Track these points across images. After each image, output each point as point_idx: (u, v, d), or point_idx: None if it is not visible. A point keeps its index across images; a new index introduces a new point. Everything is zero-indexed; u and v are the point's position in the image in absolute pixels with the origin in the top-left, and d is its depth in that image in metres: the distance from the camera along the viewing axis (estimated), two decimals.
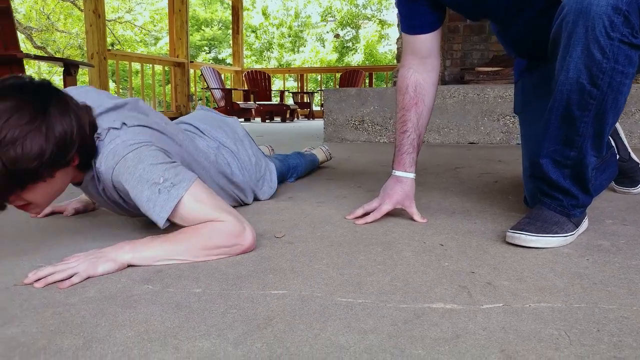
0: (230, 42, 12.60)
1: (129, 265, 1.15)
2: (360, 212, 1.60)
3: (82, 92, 1.30)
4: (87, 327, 0.86)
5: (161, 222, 1.13)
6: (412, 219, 1.57)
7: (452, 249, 1.28)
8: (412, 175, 1.59)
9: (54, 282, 1.05)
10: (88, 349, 0.78)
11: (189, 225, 1.18)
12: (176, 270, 1.13)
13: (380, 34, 24.81)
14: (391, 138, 4.34)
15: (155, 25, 23.22)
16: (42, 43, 19.58)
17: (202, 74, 9.37)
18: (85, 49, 8.96)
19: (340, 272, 1.12)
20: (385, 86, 11.14)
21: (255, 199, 1.87)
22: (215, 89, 9.42)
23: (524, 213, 1.51)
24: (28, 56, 3.32)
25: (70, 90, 1.25)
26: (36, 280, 1.05)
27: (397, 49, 5.26)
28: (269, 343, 0.80)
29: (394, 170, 1.61)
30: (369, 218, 1.55)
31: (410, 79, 1.58)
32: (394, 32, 24.27)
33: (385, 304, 0.95)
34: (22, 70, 3.21)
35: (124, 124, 1.20)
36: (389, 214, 1.60)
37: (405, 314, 0.91)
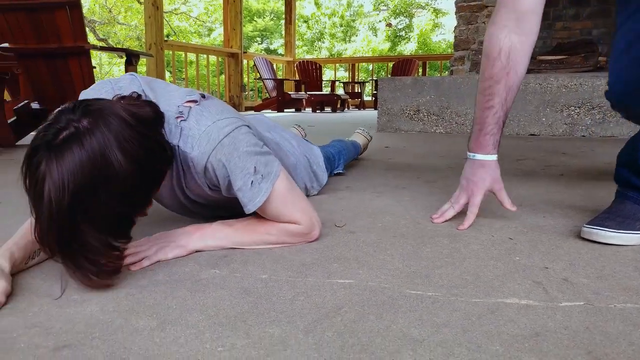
0: (282, 32, 12.65)
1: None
2: (451, 213, 1.43)
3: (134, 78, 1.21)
4: (159, 308, 0.88)
5: (248, 212, 1.13)
6: (502, 204, 1.40)
7: (522, 243, 1.23)
8: (495, 157, 1.37)
9: (126, 265, 1.08)
10: (162, 330, 0.79)
11: (265, 216, 1.17)
12: (241, 256, 1.13)
13: (434, 22, 24.31)
14: (447, 129, 4.24)
15: (209, 17, 23.62)
16: (104, 35, 20.31)
17: (254, 65, 9.46)
18: (143, 40, 9.21)
19: (407, 264, 1.10)
20: (439, 75, 10.91)
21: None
22: (267, 79, 9.50)
23: (596, 208, 1.43)
24: (94, 47, 3.43)
25: (122, 80, 1.18)
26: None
27: (455, 37, 5.13)
28: (340, 332, 0.79)
29: (473, 154, 1.39)
30: (466, 222, 1.37)
31: (504, 41, 1.27)
32: (448, 20, 23.76)
33: (457, 298, 0.92)
34: (90, 60, 3.32)
35: (202, 96, 1.15)
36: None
37: (478, 308, 0.87)
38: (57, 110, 0.91)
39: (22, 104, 3.59)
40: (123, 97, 1.02)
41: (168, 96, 1.14)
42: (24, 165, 0.86)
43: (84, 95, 1.14)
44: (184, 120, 1.08)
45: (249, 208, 1.11)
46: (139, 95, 1.08)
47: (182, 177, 1.16)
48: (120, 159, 0.88)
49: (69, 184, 0.83)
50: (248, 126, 1.15)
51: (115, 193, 0.89)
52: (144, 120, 0.97)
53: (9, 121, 3.47)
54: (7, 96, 4.25)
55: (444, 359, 0.71)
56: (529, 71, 4.66)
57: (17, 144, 3.50)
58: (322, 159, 1.78)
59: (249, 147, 1.09)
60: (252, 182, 1.09)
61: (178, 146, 1.09)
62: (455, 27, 5.12)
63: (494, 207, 1.60)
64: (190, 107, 1.10)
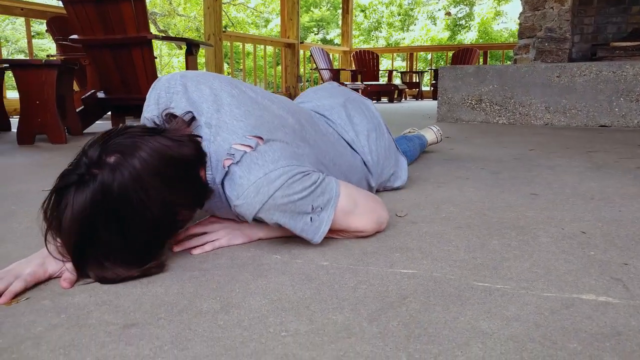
0: (339, 22, 12.59)
1: None
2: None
3: (201, 81, 1.14)
4: (222, 292, 0.88)
5: (316, 242, 1.09)
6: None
7: (597, 238, 1.16)
8: None
9: (190, 248, 1.09)
10: (226, 313, 0.80)
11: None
12: (302, 242, 1.12)
13: (496, 10, 23.51)
14: (511, 119, 4.09)
15: (266, 7, 23.83)
16: (164, 27, 20.89)
17: (311, 55, 9.46)
18: (202, 31, 9.41)
19: (473, 256, 1.05)
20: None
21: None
22: (323, 69, 9.48)
23: None
24: (156, 37, 3.52)
25: (189, 80, 1.14)
26: (176, 244, 1.09)
27: (519, 24, 4.92)
28: (405, 322, 0.76)
29: None
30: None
31: None
32: (511, 8, 22.93)
33: (527, 291, 0.87)
34: (152, 50, 3.40)
35: (258, 140, 1.03)
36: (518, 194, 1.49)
37: (551, 303, 0.83)
38: (85, 148, 0.90)
39: (89, 93, 3.74)
40: (169, 122, 1.01)
41: (231, 125, 1.05)
42: (48, 200, 0.87)
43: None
44: (234, 164, 1.01)
45: (316, 240, 1.07)
46: (192, 120, 1.05)
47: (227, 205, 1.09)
48: (142, 198, 0.87)
49: (86, 216, 0.84)
50: (306, 166, 1.06)
51: (136, 229, 0.89)
52: (178, 162, 0.93)
53: (77, 110, 3.62)
54: (75, 86, 4.44)
55: (517, 353, 0.67)
56: (601, 58, 4.43)
57: (84, 132, 3.66)
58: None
59: (303, 192, 1.02)
60: (311, 219, 1.04)
61: (222, 184, 1.04)
62: (520, 14, 4.91)
63: (562, 199, 1.52)
64: (245, 152, 1.01)
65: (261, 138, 1.04)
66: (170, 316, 0.79)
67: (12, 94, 6.22)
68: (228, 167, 1.01)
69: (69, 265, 0.92)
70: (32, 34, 5.97)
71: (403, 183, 1.65)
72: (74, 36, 3.45)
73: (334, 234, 1.13)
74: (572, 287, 0.89)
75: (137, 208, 0.87)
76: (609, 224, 1.26)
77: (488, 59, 10.58)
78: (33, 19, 5.64)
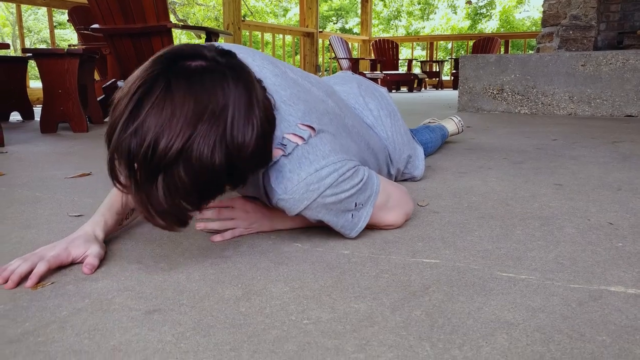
0: (358, 11, 12.49)
1: None
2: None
3: (245, 52, 1.08)
4: (244, 279, 0.88)
5: (350, 237, 1.08)
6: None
7: (625, 229, 1.13)
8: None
9: (211, 230, 1.09)
10: (247, 300, 0.79)
11: None
12: (322, 230, 1.12)
13: None
14: (533, 109, 4.03)
15: None
16: (183, 16, 20.95)
17: (330, 44, 9.41)
18: (221, 20, 9.40)
19: (497, 246, 1.04)
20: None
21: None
22: (342, 58, 9.42)
23: None
24: (176, 26, 3.52)
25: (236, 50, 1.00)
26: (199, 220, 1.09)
27: (543, 12, 4.82)
28: (429, 312, 0.75)
29: None
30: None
31: None
32: None
33: (553, 282, 0.86)
34: (172, 40, 3.42)
35: (310, 131, 0.98)
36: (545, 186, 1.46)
37: (578, 294, 0.81)
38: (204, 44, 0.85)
39: (109, 82, 3.77)
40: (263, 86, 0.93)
41: (281, 110, 0.99)
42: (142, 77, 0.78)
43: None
44: (284, 155, 0.95)
45: (352, 235, 1.06)
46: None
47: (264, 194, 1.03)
48: (243, 131, 0.80)
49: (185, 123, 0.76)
50: (353, 161, 1.03)
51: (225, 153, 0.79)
52: (268, 118, 0.89)
53: (98, 99, 3.66)
54: (96, 76, 4.48)
55: (543, 345, 0.66)
56: (627, 47, 4.33)
57: (105, 120, 3.69)
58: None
59: (351, 189, 0.99)
60: (352, 215, 1.03)
61: (266, 174, 0.97)
62: (544, 1, 4.81)
63: (588, 189, 1.49)
64: (297, 145, 0.96)
65: (313, 128, 0.99)
66: (192, 302, 0.79)
67: (35, 83, 6.31)
68: (278, 157, 0.95)
69: (93, 249, 0.93)
70: (54, 24, 6.03)
71: (421, 173, 1.61)
72: (95, 25, 3.47)
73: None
74: (599, 279, 0.87)
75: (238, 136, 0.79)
76: (637, 215, 1.23)
77: (510, 49, 10.42)
78: (55, 9, 5.69)
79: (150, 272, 0.91)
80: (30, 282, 0.84)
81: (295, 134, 0.96)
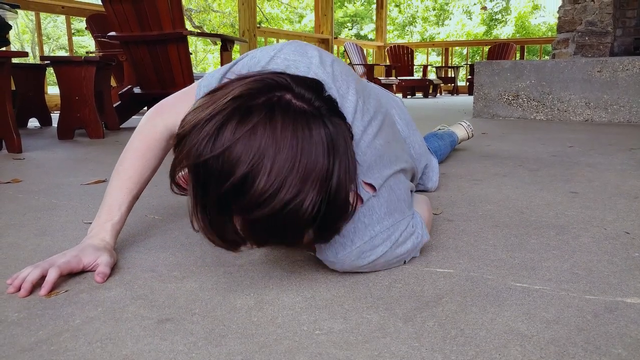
0: (373, 17, 12.50)
1: None
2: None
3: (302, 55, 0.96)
4: (256, 288, 0.88)
5: None
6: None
7: None
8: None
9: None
10: (259, 310, 0.79)
11: None
12: None
13: (534, 4, 22.96)
14: (549, 115, 3.99)
15: (300, 3, 23.85)
16: (199, 23, 21.15)
17: (345, 50, 9.42)
18: (236, 27, 9.47)
19: (511, 255, 1.03)
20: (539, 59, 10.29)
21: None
22: (357, 64, 9.43)
23: None
24: (192, 33, 3.55)
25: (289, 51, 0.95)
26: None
27: (558, 18, 4.78)
28: (441, 323, 0.75)
29: None
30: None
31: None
32: (550, 1, 22.35)
33: (568, 293, 0.84)
34: (187, 46, 3.45)
35: (370, 190, 0.92)
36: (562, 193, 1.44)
37: (593, 306, 0.80)
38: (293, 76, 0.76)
39: (125, 89, 3.81)
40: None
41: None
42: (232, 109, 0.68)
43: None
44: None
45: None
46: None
47: None
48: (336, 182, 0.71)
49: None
50: (406, 218, 0.96)
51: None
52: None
53: (114, 105, 3.70)
54: (112, 82, 4.53)
55: (558, 358, 0.65)
56: None
57: (121, 126, 3.73)
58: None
59: (402, 255, 0.96)
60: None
61: None
62: (560, 7, 4.77)
63: (604, 197, 1.47)
64: (369, 198, 0.90)
65: (373, 188, 0.92)
66: (204, 312, 0.79)
67: (52, 90, 6.41)
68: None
69: (103, 258, 0.94)
70: (72, 31, 6.12)
71: (434, 186, 1.58)
72: (112, 33, 3.52)
73: None
74: (615, 290, 0.86)
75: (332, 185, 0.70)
76: None
77: (525, 54, 10.35)
78: (73, 17, 5.78)
79: (163, 281, 0.92)
80: (44, 290, 0.85)
81: (358, 193, 0.88)
